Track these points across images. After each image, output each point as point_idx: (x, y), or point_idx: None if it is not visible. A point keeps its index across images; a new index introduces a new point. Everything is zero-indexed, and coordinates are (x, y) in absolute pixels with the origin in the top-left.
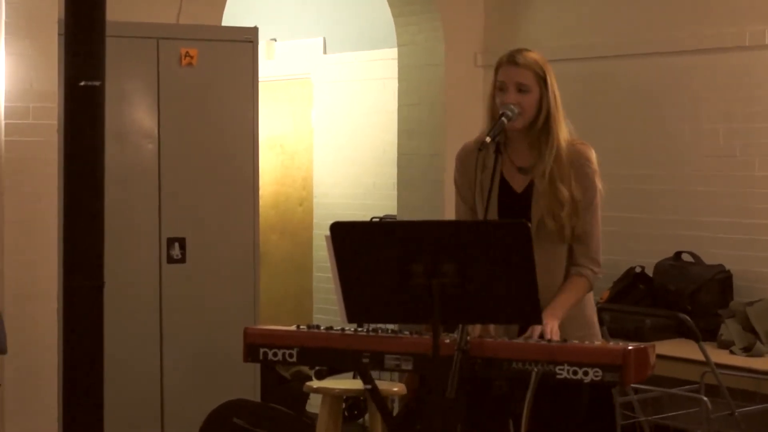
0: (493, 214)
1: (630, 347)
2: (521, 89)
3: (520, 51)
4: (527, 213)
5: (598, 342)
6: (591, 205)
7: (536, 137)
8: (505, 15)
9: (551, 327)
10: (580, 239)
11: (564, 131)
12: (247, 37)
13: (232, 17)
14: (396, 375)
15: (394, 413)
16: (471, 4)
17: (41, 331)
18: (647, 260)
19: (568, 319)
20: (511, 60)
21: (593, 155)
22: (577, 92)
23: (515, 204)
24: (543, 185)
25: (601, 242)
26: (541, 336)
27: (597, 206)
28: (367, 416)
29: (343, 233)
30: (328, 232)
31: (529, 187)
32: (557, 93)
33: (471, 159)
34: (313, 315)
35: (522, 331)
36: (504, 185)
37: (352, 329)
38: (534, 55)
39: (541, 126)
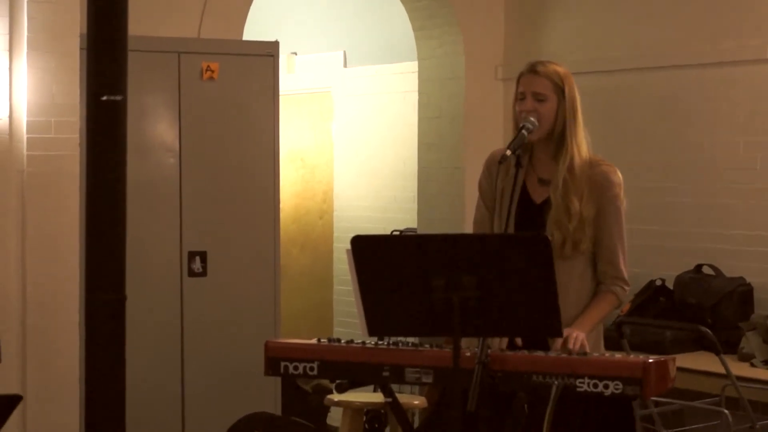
0: (511, 223)
1: (650, 360)
2: (538, 98)
3: (541, 62)
4: (543, 224)
5: (618, 355)
6: (614, 225)
7: (557, 148)
8: (526, 28)
9: (580, 337)
10: (604, 259)
11: (583, 145)
12: (268, 51)
13: (253, 31)
14: (417, 388)
15: (415, 426)
16: (491, 17)
17: (63, 344)
18: (668, 273)
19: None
20: (531, 70)
21: (617, 177)
22: (598, 105)
23: (533, 215)
24: (557, 198)
25: (627, 261)
26: (564, 345)
27: (621, 226)
28: (387, 429)
29: (364, 247)
30: (348, 246)
31: (548, 200)
32: (577, 106)
33: (496, 167)
34: (333, 328)
35: (510, 343)
36: (524, 196)
37: (373, 342)
38: (555, 66)
39: (559, 137)
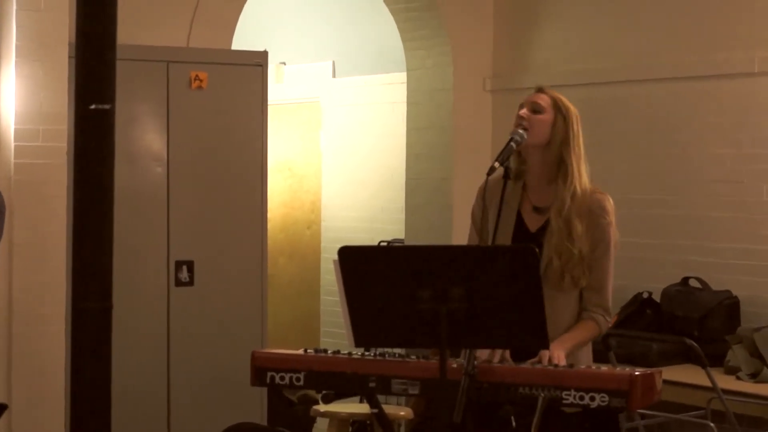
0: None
1: (637, 372)
2: (535, 108)
3: (550, 86)
4: (539, 251)
5: (605, 368)
6: (605, 255)
7: (554, 174)
8: (514, 40)
9: (558, 354)
10: (592, 287)
11: (584, 176)
12: (257, 61)
13: (242, 41)
14: (403, 399)
15: None
16: (480, 29)
17: (49, 353)
18: (654, 285)
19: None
20: (538, 89)
21: (610, 206)
22: (585, 117)
23: (528, 243)
24: (558, 223)
25: (612, 293)
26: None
27: (610, 257)
28: None
29: (351, 257)
30: (336, 256)
31: (543, 228)
32: (580, 136)
33: (490, 192)
34: (320, 339)
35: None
36: (519, 223)
37: (359, 353)
38: (561, 95)
39: (558, 160)
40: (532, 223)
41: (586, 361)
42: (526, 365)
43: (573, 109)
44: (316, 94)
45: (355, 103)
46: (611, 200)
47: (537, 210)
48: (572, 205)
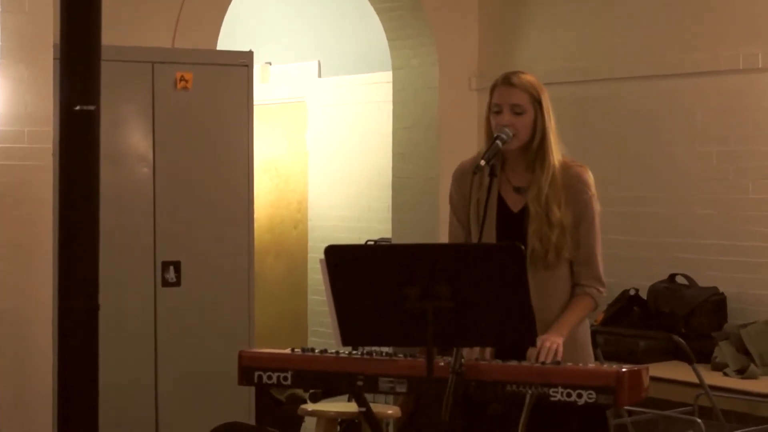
0: (491, 234)
1: (624, 369)
2: (516, 111)
3: (515, 73)
4: (524, 233)
5: (592, 364)
6: (590, 227)
7: (532, 159)
8: (500, 39)
9: (557, 345)
10: (581, 261)
11: (558, 154)
12: (242, 61)
13: (227, 41)
14: (390, 398)
15: None
16: (465, 28)
17: (36, 353)
18: (641, 283)
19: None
20: (506, 81)
21: (590, 177)
22: (571, 115)
23: (512, 224)
24: (536, 208)
25: (603, 262)
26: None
27: (596, 228)
28: None
29: (338, 256)
30: (322, 255)
31: (525, 208)
32: (552, 115)
33: (467, 178)
34: (308, 338)
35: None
36: (501, 204)
37: (347, 352)
38: (529, 77)
39: (537, 148)
40: (514, 203)
41: (584, 339)
42: (514, 363)
43: (540, 87)
44: (302, 93)
45: (341, 102)
46: (590, 172)
47: (517, 190)
48: (550, 189)
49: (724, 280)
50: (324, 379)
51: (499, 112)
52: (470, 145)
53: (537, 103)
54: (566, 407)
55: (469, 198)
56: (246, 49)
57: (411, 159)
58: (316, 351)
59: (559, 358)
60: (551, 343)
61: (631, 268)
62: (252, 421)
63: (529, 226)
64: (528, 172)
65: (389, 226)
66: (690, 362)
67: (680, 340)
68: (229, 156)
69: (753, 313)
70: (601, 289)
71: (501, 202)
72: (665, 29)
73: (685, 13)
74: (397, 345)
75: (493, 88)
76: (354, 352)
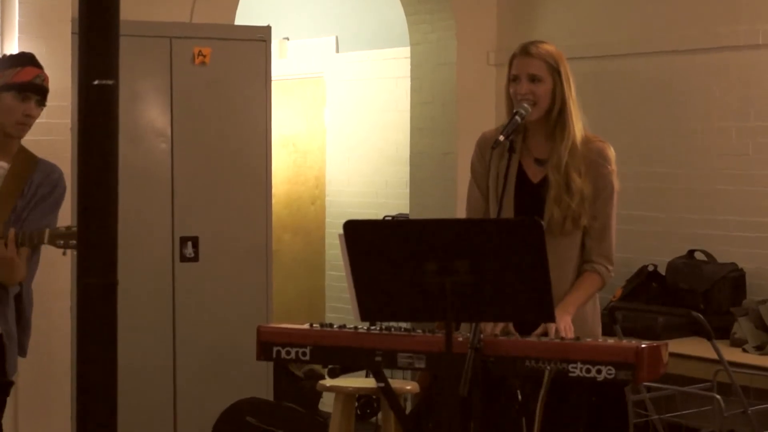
0: (509, 204)
1: (643, 345)
2: (533, 79)
3: (533, 43)
4: (542, 204)
5: (611, 340)
6: (607, 203)
7: (552, 127)
8: (518, 14)
9: (564, 324)
10: (594, 236)
11: (579, 124)
12: (260, 36)
13: (245, 16)
14: (409, 373)
15: (407, 411)
16: (484, 3)
17: (55, 329)
18: (660, 258)
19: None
20: (524, 51)
21: (611, 153)
22: (590, 90)
23: (531, 195)
24: (556, 177)
25: (615, 241)
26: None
27: (613, 205)
28: (380, 415)
29: (356, 232)
30: (340, 231)
31: (545, 179)
32: (572, 85)
33: (488, 150)
34: (325, 313)
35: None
36: (521, 176)
37: (365, 327)
38: (547, 47)
39: (557, 117)
40: (534, 174)
41: (593, 318)
42: (532, 338)
43: (559, 56)
44: (320, 69)
45: (359, 78)
46: (612, 148)
47: (538, 162)
48: (570, 158)
49: (743, 255)
50: (342, 354)
51: (517, 81)
52: (488, 120)
53: (555, 71)
54: (585, 383)
55: (489, 169)
56: (264, 24)
57: (429, 134)
58: (335, 326)
59: (570, 335)
60: (563, 327)
61: (649, 243)
62: (270, 397)
63: (548, 193)
64: (549, 142)
65: (407, 201)
66: (709, 338)
67: (699, 316)
68: (246, 131)
69: None
70: (609, 267)
71: (521, 172)
72: (685, 4)
73: None
74: (416, 320)
75: (511, 59)
76: (372, 327)
